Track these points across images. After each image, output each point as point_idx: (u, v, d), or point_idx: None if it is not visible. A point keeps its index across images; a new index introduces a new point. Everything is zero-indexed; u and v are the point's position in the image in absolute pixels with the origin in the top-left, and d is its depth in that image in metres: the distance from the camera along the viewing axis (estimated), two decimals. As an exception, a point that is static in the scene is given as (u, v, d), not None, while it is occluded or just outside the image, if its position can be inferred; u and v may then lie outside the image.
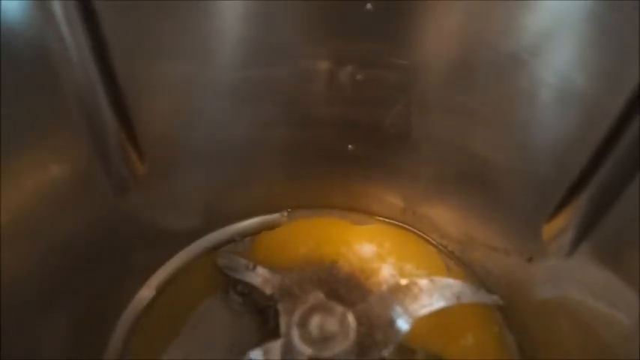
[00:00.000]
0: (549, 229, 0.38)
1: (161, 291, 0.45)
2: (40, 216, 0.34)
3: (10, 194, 0.31)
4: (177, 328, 0.42)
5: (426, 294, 0.40)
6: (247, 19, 0.36)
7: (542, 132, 0.36)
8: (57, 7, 0.29)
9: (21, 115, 0.31)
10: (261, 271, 0.43)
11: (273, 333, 0.39)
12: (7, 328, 0.31)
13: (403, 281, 0.41)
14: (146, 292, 0.45)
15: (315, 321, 0.36)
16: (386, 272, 0.46)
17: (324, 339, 0.36)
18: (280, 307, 0.40)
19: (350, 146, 0.45)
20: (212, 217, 0.48)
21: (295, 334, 0.36)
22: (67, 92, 0.32)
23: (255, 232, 0.49)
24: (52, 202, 0.35)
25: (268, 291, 0.42)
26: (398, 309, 0.39)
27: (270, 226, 0.50)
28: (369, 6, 0.35)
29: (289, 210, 0.50)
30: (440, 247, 0.49)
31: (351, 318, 0.36)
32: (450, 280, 0.42)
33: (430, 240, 0.49)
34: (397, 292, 0.40)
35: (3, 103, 0.29)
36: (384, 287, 0.43)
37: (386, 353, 0.38)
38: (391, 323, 0.39)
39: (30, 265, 0.34)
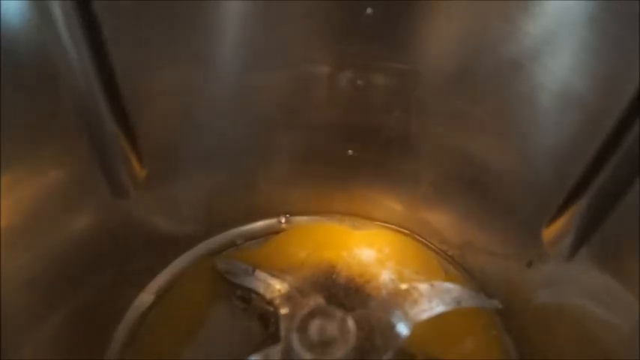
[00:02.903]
0: (549, 234, 0.38)
1: (161, 296, 0.45)
2: (40, 220, 0.34)
3: (10, 198, 0.31)
4: (177, 333, 0.42)
5: (425, 298, 0.40)
6: (247, 24, 0.36)
7: (542, 137, 0.36)
8: (57, 13, 0.29)
9: (21, 120, 0.31)
10: (260, 275, 0.43)
11: (273, 337, 0.39)
12: (6, 331, 0.31)
13: (403, 286, 0.41)
14: (146, 297, 0.45)
15: (315, 325, 0.36)
16: (385, 277, 0.46)
17: (324, 343, 0.36)
18: (280, 311, 0.40)
19: (350, 151, 0.45)
20: (212, 222, 0.48)
21: (295, 339, 0.36)
22: (66, 97, 0.32)
23: (255, 237, 0.49)
24: (52, 206, 0.35)
25: (268, 296, 0.42)
26: (398, 313, 0.39)
27: (270, 231, 0.50)
28: (369, 10, 0.35)
29: (289, 215, 0.50)
30: (439, 251, 0.49)
31: (350, 322, 0.36)
32: (450, 285, 0.42)
33: (430, 245, 0.49)
34: (397, 297, 0.41)
35: (3, 108, 0.29)
36: (384, 292, 0.43)
37: (386, 358, 0.38)
38: (391, 328, 0.39)
39: (29, 270, 0.34)
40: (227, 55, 0.37)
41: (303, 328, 0.36)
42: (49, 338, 0.37)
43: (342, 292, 0.44)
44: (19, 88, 0.30)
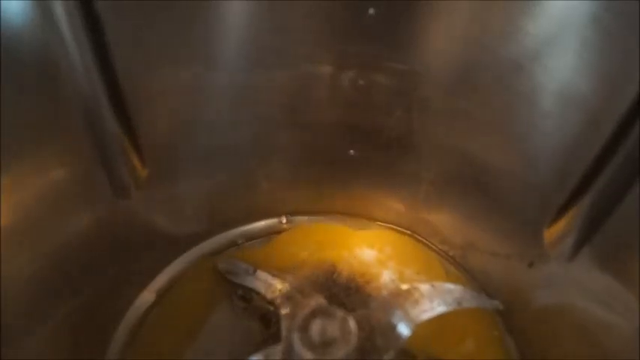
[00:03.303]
0: (550, 234, 0.38)
1: (162, 295, 0.45)
2: (41, 220, 0.34)
3: (11, 198, 0.31)
4: (178, 333, 0.42)
5: (426, 299, 0.40)
6: (249, 24, 0.36)
7: (544, 137, 0.36)
8: (60, 12, 0.29)
9: (22, 119, 0.31)
10: (261, 275, 0.43)
11: (274, 337, 0.39)
12: (7, 331, 0.31)
13: (404, 286, 0.41)
14: (147, 297, 0.45)
15: (316, 326, 0.36)
16: (386, 277, 0.46)
17: (325, 344, 0.35)
18: (281, 311, 0.40)
19: (351, 151, 0.45)
20: (213, 222, 0.48)
21: (296, 339, 0.35)
22: (68, 97, 0.32)
23: (256, 237, 0.49)
24: (54, 205, 0.35)
25: (269, 295, 0.42)
26: (399, 314, 0.39)
27: (271, 231, 0.50)
28: (371, 11, 0.36)
29: (290, 215, 0.50)
30: (440, 252, 0.49)
31: (352, 323, 0.36)
32: (451, 285, 0.42)
33: (431, 245, 0.49)
34: (398, 297, 0.40)
35: (4, 107, 0.29)
36: (385, 292, 0.43)
37: (387, 358, 0.37)
38: (392, 328, 0.39)
39: (31, 269, 0.34)
40: (228, 55, 0.37)
41: (304, 328, 0.36)
42: (50, 338, 0.37)
43: (343, 292, 0.44)
44: (20, 88, 0.30)
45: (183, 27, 0.34)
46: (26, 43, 0.29)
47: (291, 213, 0.50)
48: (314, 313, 0.37)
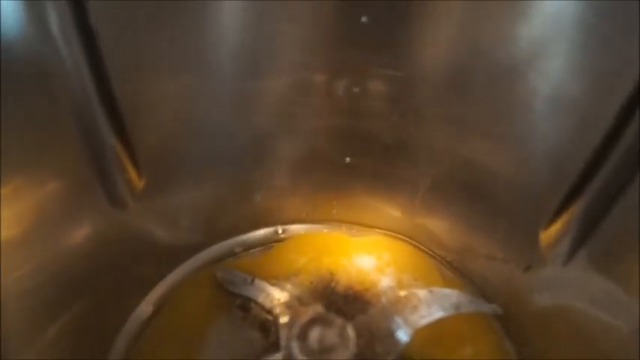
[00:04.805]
0: (547, 237, 0.38)
1: (160, 306, 0.45)
2: (39, 231, 0.34)
3: (9, 210, 0.31)
4: (177, 344, 0.42)
5: (425, 304, 0.40)
6: (244, 33, 0.36)
7: (538, 140, 0.37)
8: (54, 24, 0.29)
9: (19, 131, 0.31)
10: (260, 284, 0.43)
11: (273, 346, 0.39)
12: (6, 342, 0.31)
13: (402, 292, 0.41)
14: (145, 307, 0.44)
15: (314, 333, 0.36)
16: (384, 284, 0.46)
17: (324, 351, 0.36)
18: (280, 320, 0.40)
19: (347, 158, 0.45)
20: (211, 232, 0.48)
21: (295, 347, 0.36)
22: (64, 108, 0.32)
23: (253, 246, 0.49)
24: (51, 217, 0.35)
25: (268, 304, 0.42)
26: (397, 320, 0.39)
27: (269, 240, 0.50)
28: (364, 19, 0.36)
29: (287, 223, 0.50)
30: (438, 257, 0.49)
31: (350, 330, 0.36)
32: (449, 290, 0.42)
33: (428, 251, 0.49)
34: (396, 304, 0.41)
35: (2, 119, 0.29)
36: (383, 299, 0.43)
37: (386, 363, 0.38)
38: (391, 334, 0.39)
39: (29, 280, 0.34)
40: (224, 63, 0.37)
41: (303, 336, 0.36)
42: (48, 349, 0.37)
43: (341, 300, 0.44)
44: (16, 101, 0.30)
45: (178, 36, 0.34)
46: (21, 55, 0.29)
47: (288, 221, 0.51)
48: (313, 321, 0.37)
